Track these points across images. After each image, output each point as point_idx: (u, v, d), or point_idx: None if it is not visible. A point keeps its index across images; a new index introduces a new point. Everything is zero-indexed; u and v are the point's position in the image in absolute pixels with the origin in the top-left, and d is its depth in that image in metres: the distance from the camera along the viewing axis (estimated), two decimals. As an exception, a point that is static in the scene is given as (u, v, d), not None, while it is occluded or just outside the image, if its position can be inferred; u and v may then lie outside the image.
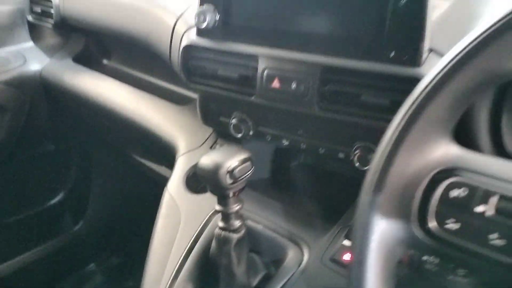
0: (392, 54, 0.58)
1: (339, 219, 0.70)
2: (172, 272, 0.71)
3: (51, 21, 1.20)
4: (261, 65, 0.68)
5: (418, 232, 0.37)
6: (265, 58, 0.68)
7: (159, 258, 0.73)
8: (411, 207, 0.37)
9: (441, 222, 0.36)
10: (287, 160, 0.87)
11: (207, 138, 0.90)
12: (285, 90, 0.67)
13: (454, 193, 0.36)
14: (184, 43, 0.76)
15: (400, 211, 0.37)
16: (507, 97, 0.59)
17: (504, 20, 0.34)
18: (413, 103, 0.37)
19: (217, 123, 0.84)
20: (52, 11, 1.18)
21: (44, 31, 1.31)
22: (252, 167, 0.64)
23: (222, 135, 0.88)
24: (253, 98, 0.71)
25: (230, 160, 0.62)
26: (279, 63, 0.67)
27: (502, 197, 0.34)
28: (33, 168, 1.38)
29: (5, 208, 1.36)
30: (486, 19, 0.36)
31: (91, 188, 1.51)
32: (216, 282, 0.69)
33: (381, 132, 0.39)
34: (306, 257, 0.68)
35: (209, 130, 0.90)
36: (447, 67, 0.36)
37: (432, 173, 0.37)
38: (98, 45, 1.28)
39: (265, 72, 0.68)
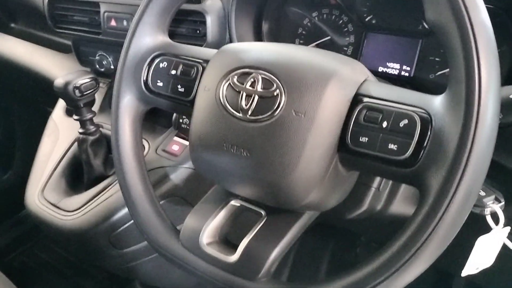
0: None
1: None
2: (50, 171, 0.94)
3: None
4: (102, 10, 0.91)
5: (143, 88, 0.61)
6: (104, 4, 0.91)
7: (41, 162, 0.96)
8: (140, 73, 0.61)
9: (154, 81, 0.60)
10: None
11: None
12: (120, 27, 0.90)
13: (161, 65, 0.60)
14: (47, -3, 0.98)
15: (134, 76, 0.60)
16: (264, 23, 0.85)
17: None
18: (137, 14, 0.60)
19: (88, 62, 1.06)
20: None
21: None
22: (96, 84, 0.87)
23: (99, 74, 1.10)
24: (100, 36, 0.93)
25: (77, 79, 0.85)
26: (114, 7, 0.90)
27: (183, 64, 0.59)
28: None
29: None
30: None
31: (16, 140, 1.70)
32: (81, 176, 0.92)
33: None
34: (146, 149, 0.92)
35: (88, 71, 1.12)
36: None
37: (153, 54, 0.61)
38: (4, 12, 1.45)
39: (105, 14, 0.91)
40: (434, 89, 0.76)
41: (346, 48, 0.85)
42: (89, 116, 0.89)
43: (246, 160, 0.48)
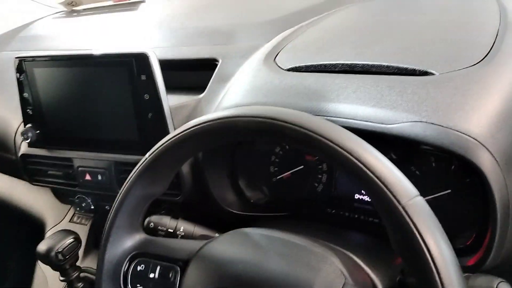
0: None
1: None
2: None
3: None
4: (76, 165, 0.92)
5: None
6: (77, 159, 0.91)
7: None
8: (120, 277, 0.61)
9: (134, 285, 0.61)
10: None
11: (67, 212, 1.12)
12: (95, 181, 0.90)
13: (138, 267, 0.60)
14: (20, 153, 0.98)
15: (113, 280, 0.61)
16: (237, 165, 0.86)
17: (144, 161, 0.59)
18: (109, 220, 0.61)
19: (69, 202, 1.06)
20: None
21: None
22: (79, 244, 0.87)
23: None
24: (76, 188, 0.94)
25: (59, 243, 0.84)
26: (87, 162, 0.90)
27: (161, 266, 0.59)
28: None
29: None
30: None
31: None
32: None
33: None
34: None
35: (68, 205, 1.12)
36: (120, 195, 0.60)
37: (129, 256, 0.61)
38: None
39: (79, 169, 0.91)
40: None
41: (320, 176, 0.86)
42: (75, 275, 0.88)
43: None
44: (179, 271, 0.58)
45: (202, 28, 1.12)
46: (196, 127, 0.53)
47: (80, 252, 0.97)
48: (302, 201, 0.87)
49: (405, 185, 0.44)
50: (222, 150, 0.85)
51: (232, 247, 0.58)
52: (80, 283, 0.89)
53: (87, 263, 1.02)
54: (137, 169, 0.59)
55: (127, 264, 0.61)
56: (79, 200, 1.01)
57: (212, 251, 0.57)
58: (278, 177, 0.90)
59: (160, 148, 0.56)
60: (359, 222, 0.81)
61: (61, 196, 1.06)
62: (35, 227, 1.15)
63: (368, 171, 0.44)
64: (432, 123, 0.60)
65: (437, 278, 0.41)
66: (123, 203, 0.59)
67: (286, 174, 0.89)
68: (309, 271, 0.51)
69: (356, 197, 0.83)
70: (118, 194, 0.60)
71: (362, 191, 0.82)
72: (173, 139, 0.55)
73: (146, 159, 0.58)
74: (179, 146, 0.55)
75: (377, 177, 0.43)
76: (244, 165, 0.90)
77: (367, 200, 0.82)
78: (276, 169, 0.90)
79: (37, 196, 1.18)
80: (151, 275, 0.60)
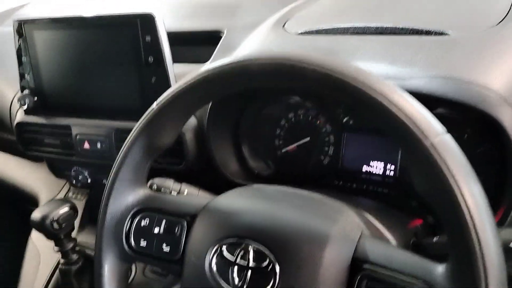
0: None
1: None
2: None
3: None
4: (74, 132, 0.88)
5: (126, 248, 0.58)
6: (76, 126, 0.88)
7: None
8: (122, 233, 0.58)
9: (137, 241, 0.57)
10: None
11: (62, 188, 1.08)
12: (94, 149, 0.87)
13: (142, 222, 0.57)
14: (15, 121, 0.94)
15: (115, 236, 0.58)
16: (242, 135, 0.84)
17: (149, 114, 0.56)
18: (112, 172, 0.58)
19: (64, 176, 1.03)
20: None
21: None
22: (75, 213, 0.84)
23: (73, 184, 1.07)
24: (73, 158, 0.90)
25: (55, 211, 0.81)
26: (86, 129, 0.87)
27: (167, 220, 0.56)
28: None
29: None
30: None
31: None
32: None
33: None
34: (133, 272, 0.88)
35: (63, 180, 1.09)
36: (125, 147, 0.57)
37: (133, 211, 0.58)
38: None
39: (77, 137, 0.88)
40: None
41: (327, 148, 0.84)
42: (70, 245, 0.85)
43: None
44: (186, 226, 0.55)
45: (206, 2, 1.10)
46: (208, 72, 0.51)
47: (76, 226, 0.94)
48: (308, 174, 0.85)
49: (433, 122, 0.42)
50: (227, 118, 0.83)
51: (244, 199, 0.55)
52: (75, 255, 0.86)
53: (82, 238, 0.99)
54: (144, 117, 0.56)
55: (130, 219, 0.58)
56: (75, 172, 0.98)
57: (222, 203, 0.54)
58: (283, 150, 0.88)
59: (169, 95, 0.54)
60: (368, 192, 0.78)
61: (57, 169, 1.02)
62: (28, 204, 1.12)
63: (394, 108, 0.41)
64: (451, 78, 0.58)
65: (468, 217, 0.38)
66: (128, 154, 0.56)
67: (291, 146, 0.87)
68: (326, 222, 0.49)
69: (364, 169, 0.80)
70: (123, 146, 0.57)
71: (371, 163, 0.80)
72: (183, 85, 0.52)
73: (153, 108, 0.55)
74: (189, 93, 0.53)
75: (404, 114, 0.41)
76: (249, 136, 0.88)
77: (375, 173, 0.80)
78: (281, 142, 0.88)
79: (31, 172, 1.14)
80: (156, 230, 0.57)
